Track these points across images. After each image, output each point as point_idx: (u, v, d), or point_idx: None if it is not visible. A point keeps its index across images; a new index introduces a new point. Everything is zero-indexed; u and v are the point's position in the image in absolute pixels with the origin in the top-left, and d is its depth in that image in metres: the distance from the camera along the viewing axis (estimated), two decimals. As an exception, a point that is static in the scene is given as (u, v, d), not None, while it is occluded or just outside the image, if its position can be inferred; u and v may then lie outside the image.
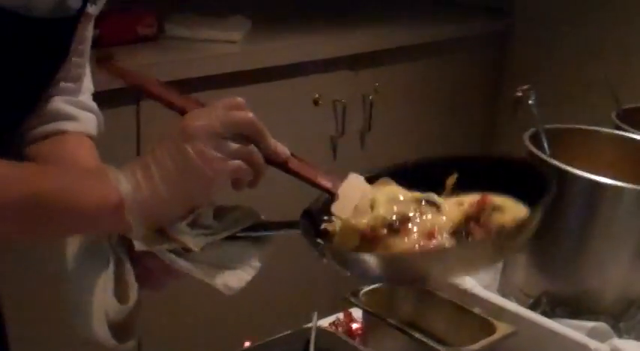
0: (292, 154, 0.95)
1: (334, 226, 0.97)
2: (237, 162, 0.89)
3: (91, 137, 1.17)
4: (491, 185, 0.98)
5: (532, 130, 1.34)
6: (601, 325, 1.20)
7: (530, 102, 1.35)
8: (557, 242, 1.28)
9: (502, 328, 1.17)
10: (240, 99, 0.92)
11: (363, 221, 0.94)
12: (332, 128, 2.60)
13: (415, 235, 0.93)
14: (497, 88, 3.10)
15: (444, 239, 0.93)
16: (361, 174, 0.99)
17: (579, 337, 1.17)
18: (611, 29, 2.84)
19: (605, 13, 2.86)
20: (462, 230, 0.94)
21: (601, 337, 1.19)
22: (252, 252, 1.00)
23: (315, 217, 0.97)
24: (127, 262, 0.96)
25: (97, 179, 0.89)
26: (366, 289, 1.23)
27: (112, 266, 0.94)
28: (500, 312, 1.22)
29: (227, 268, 0.98)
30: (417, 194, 0.97)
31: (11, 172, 0.87)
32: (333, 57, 2.53)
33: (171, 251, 0.95)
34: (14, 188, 0.85)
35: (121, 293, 0.95)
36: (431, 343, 1.12)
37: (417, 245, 0.92)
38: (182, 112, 0.94)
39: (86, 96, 1.20)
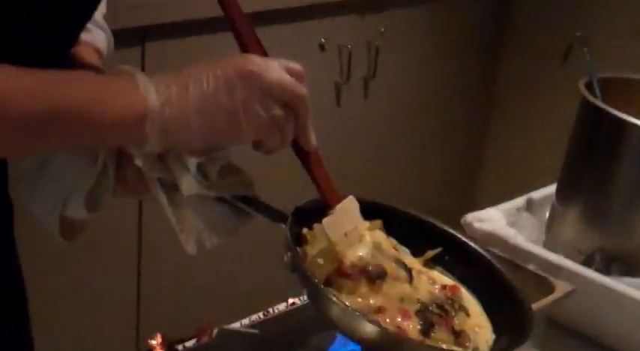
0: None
1: (314, 237, 0.93)
2: (273, 128, 0.87)
3: (99, 54, 1.11)
4: (468, 274, 1.01)
5: (585, 78, 1.28)
6: (663, 283, 1.16)
7: (585, 49, 1.29)
8: (612, 195, 1.23)
9: (561, 286, 1.12)
10: (301, 68, 0.89)
11: (349, 255, 0.92)
12: (337, 74, 2.53)
13: (386, 298, 0.92)
14: (504, 34, 3.03)
15: (411, 321, 0.92)
16: (358, 199, 0.96)
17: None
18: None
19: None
20: (427, 315, 0.93)
21: (663, 295, 1.14)
22: (231, 221, 0.96)
23: (300, 218, 0.94)
24: (111, 170, 0.91)
25: (124, 86, 0.84)
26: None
27: (98, 168, 0.90)
28: (554, 269, 1.17)
29: (201, 225, 0.94)
30: (396, 252, 0.97)
31: (34, 82, 0.80)
32: (340, 0, 2.44)
33: (159, 180, 0.92)
34: (37, 99, 0.79)
35: (93, 199, 0.91)
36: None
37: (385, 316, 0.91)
38: (243, 50, 0.90)
39: (99, 15, 1.13)
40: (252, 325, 1.09)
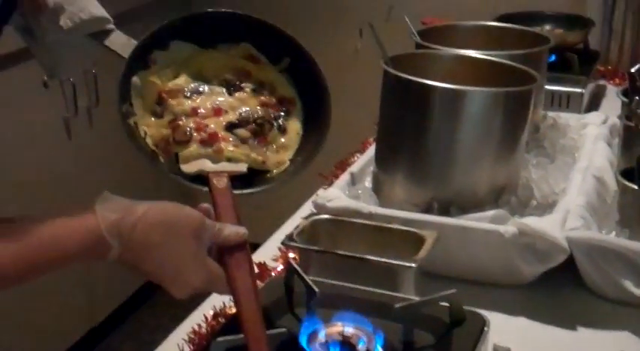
0: None
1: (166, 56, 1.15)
2: None
3: None
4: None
5: (382, 57, 1.45)
6: (499, 212, 1.36)
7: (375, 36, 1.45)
8: (430, 153, 1.41)
9: (429, 235, 1.28)
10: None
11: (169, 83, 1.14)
12: (64, 108, 2.51)
13: (201, 103, 1.13)
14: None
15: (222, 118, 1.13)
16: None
17: (489, 226, 1.32)
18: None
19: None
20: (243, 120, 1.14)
21: (502, 221, 1.34)
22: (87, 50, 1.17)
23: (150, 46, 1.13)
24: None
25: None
26: (296, 231, 1.28)
27: None
28: (409, 223, 1.33)
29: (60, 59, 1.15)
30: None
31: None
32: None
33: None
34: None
35: None
36: (386, 260, 1.21)
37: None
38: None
39: None
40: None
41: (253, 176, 1.13)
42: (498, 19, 2.18)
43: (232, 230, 1.03)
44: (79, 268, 2.59)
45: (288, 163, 1.15)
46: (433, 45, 1.64)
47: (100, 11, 1.14)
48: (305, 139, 1.17)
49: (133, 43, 1.12)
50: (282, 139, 1.16)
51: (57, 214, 0.96)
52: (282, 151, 1.15)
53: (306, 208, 1.52)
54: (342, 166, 1.64)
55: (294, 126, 1.18)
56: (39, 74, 2.34)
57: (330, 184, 1.54)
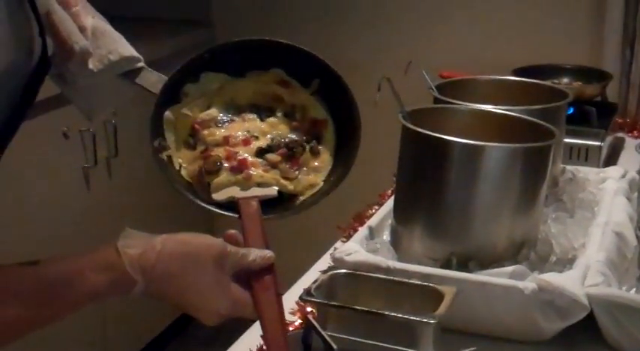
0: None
1: (196, 90, 1.17)
2: None
3: None
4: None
5: (399, 111, 1.45)
6: (518, 267, 1.35)
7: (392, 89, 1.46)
8: (448, 207, 1.40)
9: (448, 291, 1.27)
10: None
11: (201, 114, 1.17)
12: (83, 159, 2.53)
13: (232, 131, 1.16)
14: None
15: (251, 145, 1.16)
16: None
17: (509, 282, 1.31)
18: (313, 31, 3.04)
19: (308, 16, 3.06)
20: (272, 145, 1.16)
21: (522, 277, 1.34)
22: (120, 91, 1.18)
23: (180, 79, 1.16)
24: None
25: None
26: (314, 286, 1.27)
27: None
28: (428, 278, 1.32)
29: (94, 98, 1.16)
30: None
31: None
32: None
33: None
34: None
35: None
36: (405, 316, 1.20)
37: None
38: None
39: None
40: None
41: (286, 202, 1.16)
42: (515, 72, 2.20)
43: (258, 254, 1.04)
44: (92, 321, 2.59)
45: (321, 184, 1.18)
46: (451, 99, 1.64)
47: (129, 51, 1.15)
48: (336, 159, 1.20)
49: (164, 79, 1.15)
50: (315, 163, 1.19)
51: (81, 253, 0.98)
52: (314, 173, 1.18)
53: (324, 261, 1.52)
54: (360, 218, 1.64)
55: (327, 148, 1.20)
56: (59, 125, 2.44)
57: (348, 237, 1.55)
